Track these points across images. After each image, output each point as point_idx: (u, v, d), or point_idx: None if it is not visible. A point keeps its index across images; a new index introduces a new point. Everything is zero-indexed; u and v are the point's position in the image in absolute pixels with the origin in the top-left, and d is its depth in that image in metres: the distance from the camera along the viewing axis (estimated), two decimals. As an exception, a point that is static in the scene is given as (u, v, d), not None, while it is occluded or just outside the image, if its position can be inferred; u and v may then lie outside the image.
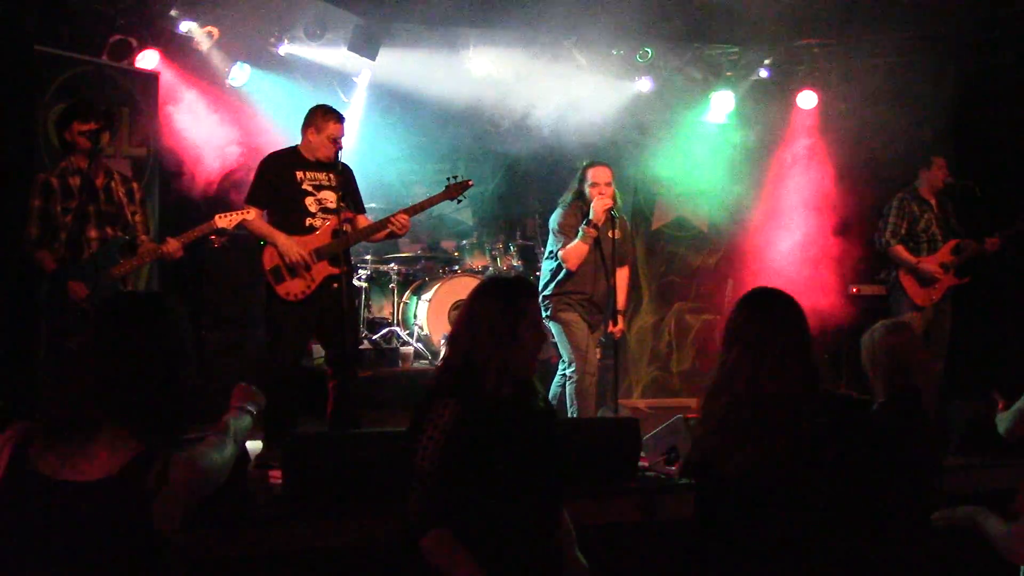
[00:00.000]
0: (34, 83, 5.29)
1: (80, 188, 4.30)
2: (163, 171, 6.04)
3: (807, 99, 7.74)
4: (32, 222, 4.30)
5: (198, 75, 6.41)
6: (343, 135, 4.78)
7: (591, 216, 5.14)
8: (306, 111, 4.86)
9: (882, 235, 6.07)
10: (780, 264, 7.19)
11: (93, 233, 4.32)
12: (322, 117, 4.77)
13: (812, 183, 7.50)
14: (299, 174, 4.77)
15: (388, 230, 4.87)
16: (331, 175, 4.79)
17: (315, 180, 4.79)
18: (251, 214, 4.61)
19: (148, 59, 6.02)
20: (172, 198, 6.15)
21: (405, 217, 4.82)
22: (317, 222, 4.74)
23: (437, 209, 6.37)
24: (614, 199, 5.19)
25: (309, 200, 4.75)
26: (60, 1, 5.51)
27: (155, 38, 6.09)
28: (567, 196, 5.40)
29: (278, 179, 4.77)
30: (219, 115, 6.45)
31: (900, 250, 5.96)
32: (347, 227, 4.73)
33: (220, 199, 6.12)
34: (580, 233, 5.14)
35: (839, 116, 7.62)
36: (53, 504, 1.77)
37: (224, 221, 4.51)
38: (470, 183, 5.12)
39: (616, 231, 5.21)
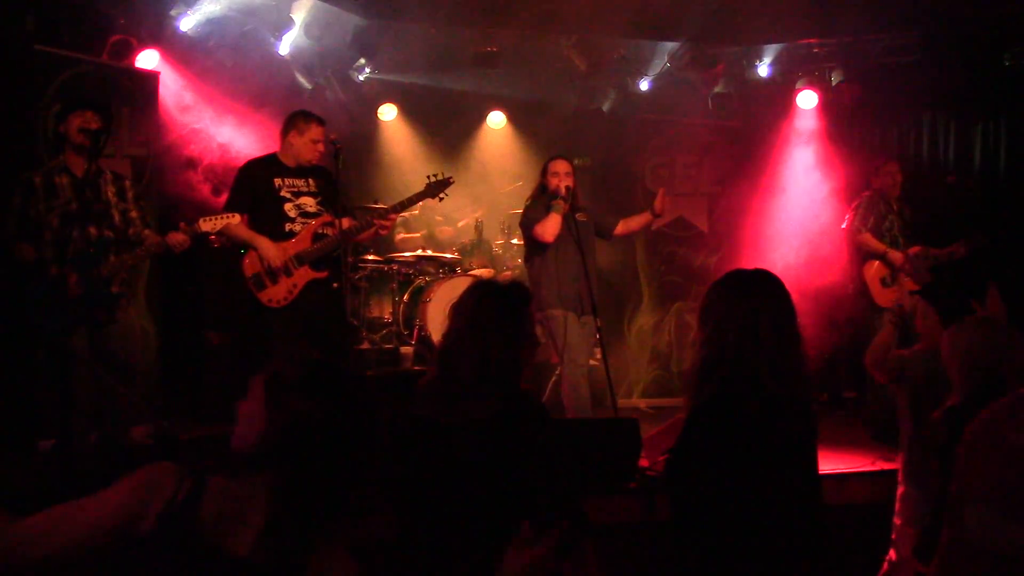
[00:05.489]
0: (34, 83, 5.29)
1: (74, 186, 4.28)
2: (163, 171, 6.02)
3: (807, 99, 7.73)
4: (11, 219, 4.31)
5: (198, 74, 6.39)
6: (324, 138, 4.80)
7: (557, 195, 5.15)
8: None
9: (852, 223, 6.02)
10: (780, 264, 7.17)
11: (76, 232, 4.29)
12: (304, 120, 4.82)
13: (811, 182, 7.48)
14: (277, 181, 4.78)
15: (373, 229, 4.88)
16: (310, 180, 4.82)
17: (293, 186, 4.79)
18: (235, 219, 4.61)
19: (148, 59, 6.01)
20: (172, 198, 6.13)
21: (391, 219, 4.86)
22: (297, 227, 4.75)
23: (438, 209, 6.36)
24: (573, 185, 5.20)
25: (288, 206, 4.76)
26: (60, 1, 5.50)
27: (155, 38, 6.07)
28: (533, 192, 5.45)
29: (257, 186, 4.78)
30: (218, 115, 6.44)
31: (869, 238, 5.92)
32: (328, 231, 4.73)
33: (218, 200, 6.11)
34: (551, 207, 5.13)
35: (839, 116, 7.61)
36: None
37: (208, 225, 4.50)
38: (451, 180, 5.15)
39: (581, 214, 5.25)
